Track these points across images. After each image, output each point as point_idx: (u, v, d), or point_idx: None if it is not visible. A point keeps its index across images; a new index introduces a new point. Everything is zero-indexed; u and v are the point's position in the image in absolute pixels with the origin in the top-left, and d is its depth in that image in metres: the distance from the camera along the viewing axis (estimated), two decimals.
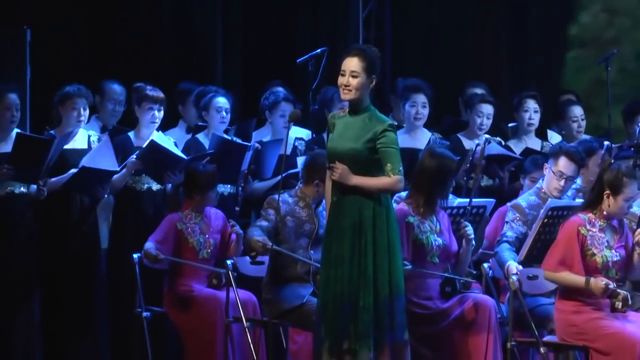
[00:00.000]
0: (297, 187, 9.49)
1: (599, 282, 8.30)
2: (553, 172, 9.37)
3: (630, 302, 8.45)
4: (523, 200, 9.46)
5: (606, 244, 8.46)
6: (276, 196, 9.41)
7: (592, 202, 8.52)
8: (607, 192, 8.44)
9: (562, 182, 9.28)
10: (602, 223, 8.49)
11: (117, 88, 11.14)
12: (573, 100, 11.57)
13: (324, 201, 8.82)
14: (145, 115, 10.51)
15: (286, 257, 9.15)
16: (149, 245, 9.79)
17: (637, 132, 10.75)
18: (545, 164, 9.54)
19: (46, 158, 10.02)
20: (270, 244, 9.00)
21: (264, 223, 9.28)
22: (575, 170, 9.29)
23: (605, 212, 8.48)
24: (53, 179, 10.10)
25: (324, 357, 8.12)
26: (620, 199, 8.43)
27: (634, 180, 8.53)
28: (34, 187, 9.98)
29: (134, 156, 10.26)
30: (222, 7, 12.82)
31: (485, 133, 10.77)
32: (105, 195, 10.43)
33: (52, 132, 10.33)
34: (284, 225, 9.32)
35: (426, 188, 8.88)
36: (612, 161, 8.76)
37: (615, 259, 8.45)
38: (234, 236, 10.00)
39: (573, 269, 8.37)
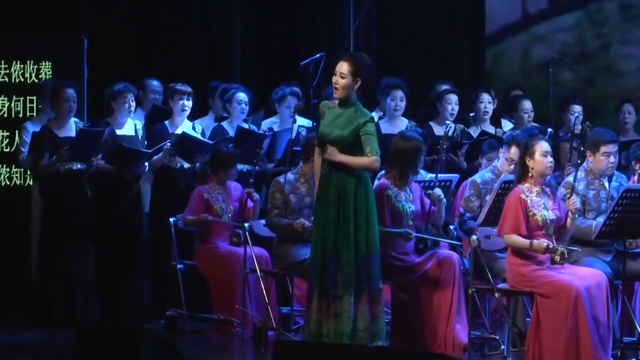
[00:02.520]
0: (299, 166, 9.54)
1: (541, 243, 8.30)
2: (506, 158, 9.41)
3: (566, 257, 8.44)
4: (479, 177, 9.49)
5: (543, 205, 8.43)
6: (280, 178, 9.50)
7: (522, 174, 8.50)
8: (527, 158, 8.45)
9: (512, 166, 9.30)
10: (537, 189, 8.47)
11: (155, 83, 11.21)
12: (523, 95, 11.55)
13: None
14: (176, 105, 10.58)
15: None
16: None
17: (572, 120, 10.79)
18: (501, 149, 9.56)
19: (97, 144, 10.11)
20: (309, 223, 9.11)
21: (277, 211, 9.43)
22: None
23: (535, 176, 8.46)
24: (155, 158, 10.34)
25: (314, 301, 8.15)
26: (537, 156, 8.44)
27: (540, 139, 8.53)
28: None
29: (169, 143, 10.33)
30: (240, 20, 12.78)
31: (452, 121, 10.81)
32: (145, 171, 10.49)
33: (107, 120, 10.41)
34: (288, 202, 9.43)
35: (399, 165, 8.86)
36: (514, 134, 8.77)
37: (552, 218, 8.42)
38: (250, 203, 10.05)
39: (520, 229, 8.36)
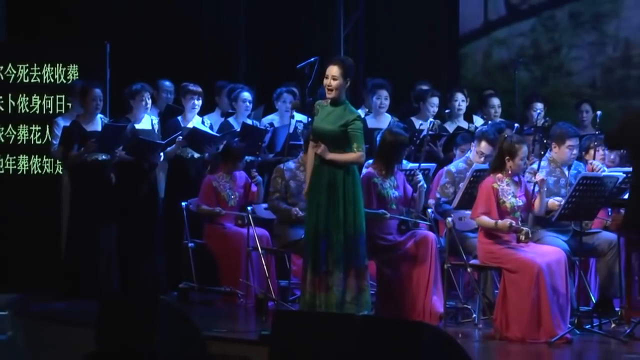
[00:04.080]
0: (299, 156, 9.55)
1: (505, 222, 8.32)
2: (477, 151, 9.42)
3: (530, 236, 8.46)
4: (453, 166, 9.48)
5: (512, 193, 8.45)
6: (282, 165, 9.51)
7: (498, 166, 8.51)
8: (507, 157, 8.47)
9: (482, 159, 9.32)
10: (507, 180, 8.49)
11: (167, 84, 11.19)
12: (493, 94, 11.56)
13: None
14: (188, 103, 10.60)
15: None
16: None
17: (535, 116, 10.81)
18: (472, 142, 9.59)
19: (120, 137, 10.12)
20: (302, 213, 9.09)
21: (277, 194, 9.39)
22: (492, 150, 9.17)
23: (509, 172, 8.49)
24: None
25: (308, 276, 8.16)
26: (517, 159, 8.46)
27: (524, 144, 8.57)
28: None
29: (180, 137, 10.35)
30: (245, 28, 12.81)
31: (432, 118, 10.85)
32: (160, 160, 10.50)
33: (127, 117, 10.43)
34: (288, 187, 9.42)
35: (386, 156, 8.86)
36: (506, 135, 8.80)
37: (519, 204, 8.44)
38: (254, 187, 10.05)
39: (491, 213, 8.38)
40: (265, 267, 9.38)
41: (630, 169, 8.59)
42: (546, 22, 13.11)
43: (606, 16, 12.81)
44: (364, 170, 8.88)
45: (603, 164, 9.25)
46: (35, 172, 11.30)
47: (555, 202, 8.65)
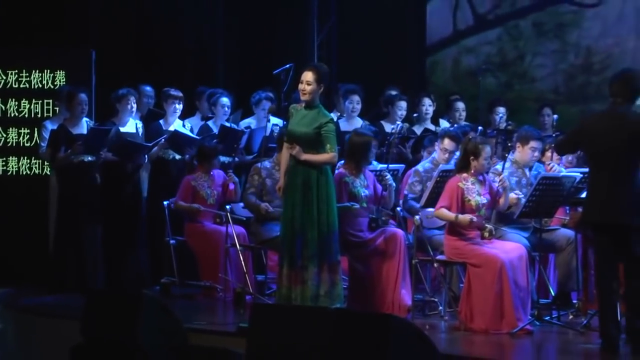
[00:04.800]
0: (274, 156, 9.54)
1: (466, 217, 8.34)
2: (440, 148, 9.45)
3: (494, 233, 8.49)
4: (421, 166, 9.49)
5: (477, 192, 8.46)
6: (259, 164, 9.50)
7: (463, 166, 8.52)
8: (472, 157, 8.49)
9: (447, 155, 9.35)
10: (473, 179, 8.50)
11: (148, 89, 11.15)
12: (458, 98, 11.57)
13: None
14: (169, 107, 10.57)
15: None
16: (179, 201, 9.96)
17: (497, 119, 10.85)
18: (437, 141, 9.62)
19: (105, 140, 10.10)
20: (272, 209, 9.12)
21: (252, 190, 9.36)
22: (455, 146, 9.27)
23: (473, 171, 8.51)
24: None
25: (284, 270, 8.17)
26: (481, 159, 8.47)
27: (487, 144, 8.59)
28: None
29: (163, 139, 10.32)
30: (224, 36, 12.79)
31: (401, 121, 10.85)
32: (145, 162, 10.47)
33: (112, 120, 10.40)
34: (265, 185, 9.40)
35: (354, 156, 8.86)
36: (470, 137, 8.80)
37: (483, 202, 8.46)
38: (232, 186, 10.01)
39: (451, 209, 8.40)
40: (242, 262, 9.35)
41: (586, 170, 8.64)
42: (511, 31, 13.15)
43: (568, 26, 12.86)
44: (336, 171, 8.89)
45: (560, 164, 9.30)
46: (24, 172, 11.27)
47: (514, 196, 8.68)
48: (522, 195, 8.72)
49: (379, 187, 8.99)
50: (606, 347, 7.35)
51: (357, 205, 8.74)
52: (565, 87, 12.91)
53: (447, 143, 9.32)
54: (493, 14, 13.28)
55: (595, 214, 7.46)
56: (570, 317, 8.62)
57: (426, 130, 10.91)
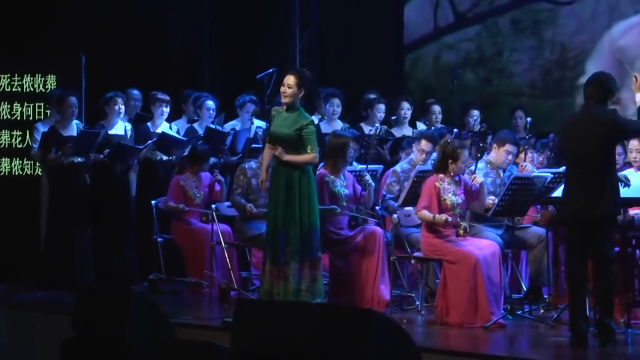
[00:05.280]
0: (260, 157, 9.53)
1: (442, 217, 8.38)
2: (417, 149, 9.48)
3: (468, 231, 8.53)
4: (399, 167, 9.53)
5: (452, 192, 8.49)
6: (244, 165, 9.51)
7: (440, 167, 8.55)
8: (450, 160, 8.53)
9: (424, 156, 9.38)
10: (449, 180, 8.53)
11: (136, 92, 11.12)
12: (434, 102, 11.60)
13: None
14: (157, 110, 10.55)
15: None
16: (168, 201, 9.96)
17: (471, 122, 10.89)
18: (414, 142, 9.64)
19: (94, 142, 10.10)
20: (256, 209, 9.14)
21: (239, 190, 9.36)
22: (432, 147, 9.31)
23: (452, 173, 8.55)
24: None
25: (267, 267, 8.17)
26: (459, 163, 8.51)
27: (465, 149, 8.63)
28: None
29: (151, 142, 10.32)
30: (209, 42, 12.80)
31: (379, 123, 10.89)
32: (135, 163, 10.47)
33: (102, 123, 10.39)
34: (250, 184, 9.41)
35: (333, 157, 8.86)
36: (449, 140, 8.85)
37: (458, 202, 8.49)
38: (217, 187, 10.02)
39: (431, 209, 8.44)
40: (227, 259, 9.38)
41: (557, 170, 8.69)
42: (490, 29, 13.17)
43: (544, 23, 12.90)
44: (317, 171, 8.90)
45: (532, 165, 9.35)
46: (16, 173, 11.23)
47: (490, 200, 8.73)
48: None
49: (358, 187, 9.00)
50: (575, 340, 7.39)
51: (338, 210, 8.76)
52: (542, 81, 12.94)
53: (424, 144, 9.36)
54: (472, 12, 13.29)
55: (570, 211, 7.49)
56: (541, 311, 8.64)
57: (404, 135, 10.92)
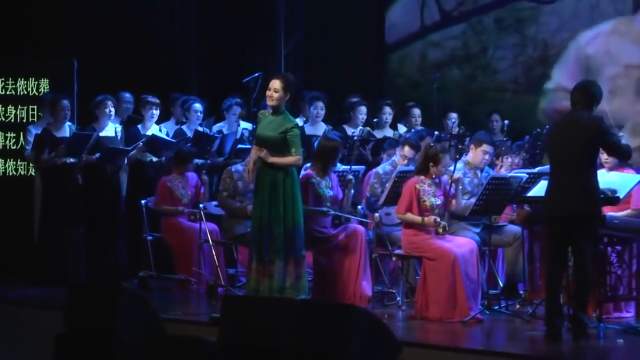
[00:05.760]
0: (246, 159, 9.52)
1: (430, 218, 8.41)
2: (400, 155, 9.48)
3: (447, 229, 8.55)
4: (381, 169, 9.55)
5: (432, 194, 8.53)
6: (231, 167, 9.50)
7: (422, 170, 8.59)
8: (431, 163, 8.56)
9: (406, 161, 9.37)
10: (429, 182, 8.56)
11: (128, 96, 11.10)
12: (414, 105, 11.61)
13: None
14: (147, 113, 10.54)
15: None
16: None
17: (450, 124, 10.89)
18: (398, 147, 9.65)
19: (86, 143, 10.07)
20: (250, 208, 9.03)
21: (226, 193, 9.35)
22: (414, 153, 9.31)
23: (432, 175, 8.59)
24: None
25: (253, 264, 8.17)
26: (440, 166, 8.55)
27: (447, 154, 8.66)
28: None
29: (141, 143, 10.30)
30: (197, 47, 12.81)
31: (362, 125, 10.89)
32: (125, 164, 10.45)
33: (93, 125, 10.36)
34: (236, 186, 9.41)
35: (322, 159, 8.88)
36: (432, 144, 8.87)
37: (437, 203, 8.52)
38: (202, 189, 10.02)
39: (412, 209, 8.46)
40: (215, 257, 9.37)
41: (532, 170, 8.72)
42: (475, 27, 13.18)
43: (527, 21, 12.91)
44: (302, 172, 8.90)
45: (507, 172, 9.35)
46: (10, 173, 11.20)
47: (469, 204, 8.75)
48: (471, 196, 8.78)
49: (341, 192, 9.00)
50: (550, 334, 7.42)
51: (331, 212, 8.76)
52: (524, 77, 12.96)
53: (407, 150, 9.37)
54: (458, 11, 13.29)
55: (552, 209, 7.52)
56: (517, 306, 8.66)
57: (385, 137, 10.93)
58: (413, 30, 13.46)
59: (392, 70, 13.61)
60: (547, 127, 7.95)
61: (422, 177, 8.55)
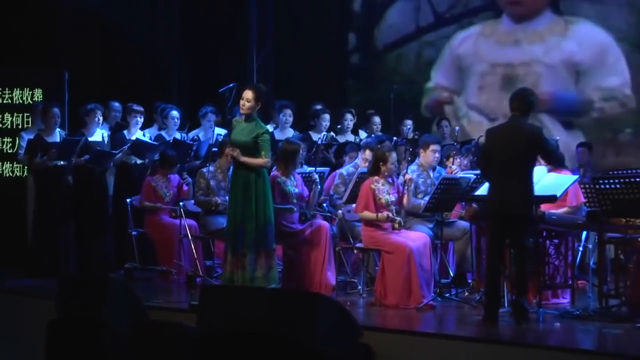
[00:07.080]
0: (217, 161, 9.54)
1: (384, 215, 8.44)
2: (362, 158, 9.49)
3: (402, 224, 8.58)
4: (345, 170, 9.56)
5: (386, 192, 8.54)
6: (204, 169, 9.50)
7: (374, 170, 8.60)
8: (381, 163, 8.57)
9: (367, 164, 9.36)
10: (383, 181, 8.58)
11: (117, 104, 11.06)
12: (374, 113, 11.59)
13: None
14: (132, 120, 10.48)
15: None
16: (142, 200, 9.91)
17: (405, 130, 10.93)
18: (359, 151, 9.66)
19: (76, 148, 10.02)
20: (220, 200, 9.14)
21: (200, 192, 9.34)
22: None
23: (385, 174, 8.60)
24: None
25: (229, 257, 8.18)
26: (389, 164, 8.55)
27: (393, 152, 8.64)
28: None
29: (126, 147, 10.27)
30: (177, 60, 12.79)
31: (325, 131, 10.90)
32: (110, 166, 10.41)
33: (82, 131, 10.33)
34: (209, 185, 9.39)
35: (285, 160, 8.85)
36: (379, 146, 8.84)
37: (392, 200, 8.54)
38: (185, 187, 9.99)
39: (369, 208, 8.48)
40: (194, 250, 9.35)
41: (479, 172, 8.77)
42: (465, 27, 13.20)
43: None
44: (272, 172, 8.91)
45: (457, 168, 9.43)
46: (6, 175, 11.13)
47: (420, 202, 8.78)
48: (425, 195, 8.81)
49: (306, 188, 9.00)
50: (487, 317, 7.49)
51: (295, 209, 8.77)
52: None
53: (367, 154, 9.36)
54: (450, 13, 13.27)
55: (493, 207, 7.57)
56: (466, 294, 8.70)
57: (346, 141, 10.95)
58: (409, 31, 13.46)
59: (389, 68, 13.55)
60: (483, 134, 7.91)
61: (376, 178, 8.57)
